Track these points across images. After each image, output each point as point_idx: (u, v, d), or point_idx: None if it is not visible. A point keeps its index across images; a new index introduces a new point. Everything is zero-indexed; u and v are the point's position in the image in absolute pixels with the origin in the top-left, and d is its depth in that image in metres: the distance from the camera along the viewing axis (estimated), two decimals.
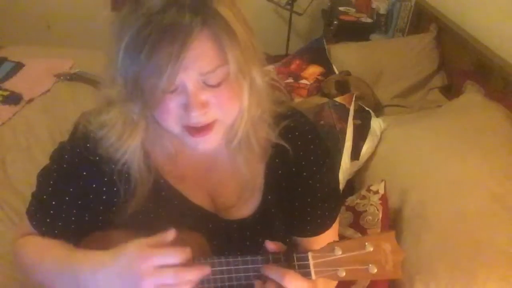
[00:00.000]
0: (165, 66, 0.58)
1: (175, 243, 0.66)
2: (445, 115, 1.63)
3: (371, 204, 1.24)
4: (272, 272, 0.65)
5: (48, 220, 0.80)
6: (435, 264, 1.10)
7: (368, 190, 1.30)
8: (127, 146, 0.71)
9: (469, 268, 1.06)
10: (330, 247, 0.65)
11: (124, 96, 0.64)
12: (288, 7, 3.18)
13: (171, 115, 0.64)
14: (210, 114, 0.65)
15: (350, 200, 1.33)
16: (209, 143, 0.69)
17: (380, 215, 1.21)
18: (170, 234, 0.66)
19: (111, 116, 0.71)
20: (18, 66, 2.20)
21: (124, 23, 0.60)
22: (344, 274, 0.64)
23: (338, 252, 0.65)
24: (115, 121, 0.71)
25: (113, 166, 0.74)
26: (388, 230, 0.78)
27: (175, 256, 0.63)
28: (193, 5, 0.58)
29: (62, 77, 2.17)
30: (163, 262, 0.63)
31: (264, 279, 0.66)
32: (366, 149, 1.56)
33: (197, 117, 0.64)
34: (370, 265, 0.64)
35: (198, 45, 0.59)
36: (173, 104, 0.63)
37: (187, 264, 0.64)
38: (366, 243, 0.65)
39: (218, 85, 0.63)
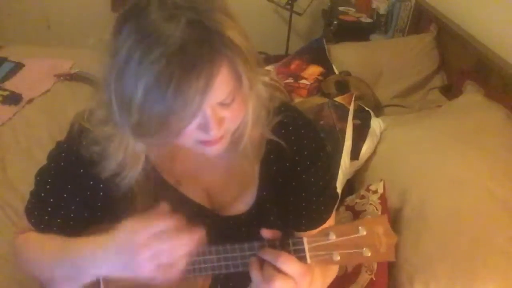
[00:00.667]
0: (191, 101, 0.58)
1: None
2: (445, 115, 1.63)
3: (370, 204, 1.24)
4: (268, 254, 0.66)
5: (46, 217, 0.81)
6: (435, 264, 1.10)
7: (367, 190, 1.30)
8: (130, 177, 0.72)
9: (469, 268, 1.06)
10: (324, 232, 0.67)
11: (135, 131, 0.63)
12: (288, 7, 3.18)
13: (187, 136, 0.65)
14: (224, 127, 0.66)
15: (350, 200, 1.33)
16: (220, 149, 0.70)
17: (379, 214, 1.21)
18: (162, 207, 0.67)
19: (110, 146, 0.70)
20: (18, 66, 2.20)
21: (133, 63, 0.58)
22: (338, 258, 0.66)
23: (332, 237, 0.66)
24: (115, 151, 0.70)
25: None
26: (380, 215, 0.79)
27: (166, 222, 0.64)
28: (209, 38, 0.58)
29: (62, 77, 2.17)
30: (155, 229, 0.64)
31: (260, 263, 0.67)
32: (365, 149, 1.56)
33: (215, 135, 0.65)
34: (364, 248, 0.65)
35: (219, 76, 0.59)
36: (191, 129, 0.64)
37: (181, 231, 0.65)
38: (360, 227, 0.66)
39: (231, 102, 0.64)
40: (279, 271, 0.64)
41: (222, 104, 0.64)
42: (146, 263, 0.64)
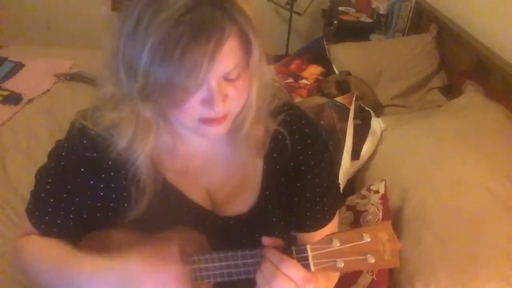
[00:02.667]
0: (199, 66, 0.57)
1: (175, 241, 0.66)
2: (445, 115, 1.63)
3: (372, 204, 1.24)
4: (272, 255, 0.65)
5: (46, 218, 0.80)
6: (435, 264, 1.10)
7: (369, 190, 1.30)
8: (141, 151, 0.71)
9: (469, 268, 1.06)
10: (328, 239, 0.66)
11: (142, 96, 0.62)
12: (288, 7, 3.18)
13: (191, 111, 0.64)
14: (228, 106, 0.65)
15: (351, 200, 1.33)
16: (222, 130, 0.69)
17: (381, 215, 1.21)
18: (174, 250, 0.67)
19: (121, 117, 0.70)
20: (18, 66, 2.21)
21: (142, 25, 0.58)
22: (342, 265, 0.65)
23: (336, 244, 0.65)
24: (126, 122, 0.69)
25: (123, 172, 0.74)
26: (384, 220, 0.79)
27: (176, 268, 0.64)
28: (220, 2, 0.58)
29: (62, 77, 2.17)
30: (163, 278, 0.64)
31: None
32: (366, 149, 1.56)
33: (219, 111, 0.64)
34: (368, 255, 0.65)
35: (228, 42, 0.59)
36: (194, 101, 0.63)
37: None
38: (364, 234, 0.65)
39: (236, 78, 0.64)
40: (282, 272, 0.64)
41: (227, 80, 0.63)
42: None
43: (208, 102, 0.63)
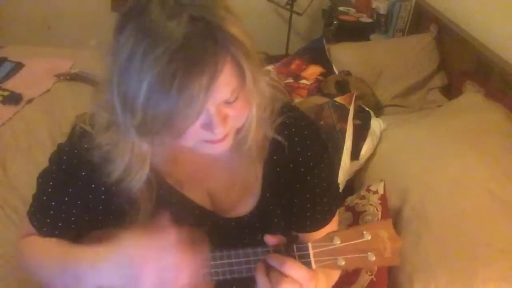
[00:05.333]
0: (196, 98, 0.57)
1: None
2: (445, 115, 1.63)
3: (371, 204, 1.24)
4: (274, 260, 0.66)
5: (48, 220, 0.80)
6: (435, 264, 1.10)
7: (368, 190, 1.30)
8: (136, 181, 0.71)
9: (469, 268, 1.06)
10: (329, 237, 0.67)
11: (139, 131, 0.62)
12: (288, 7, 3.18)
13: (192, 136, 0.64)
14: (228, 126, 0.66)
15: (350, 200, 1.33)
16: (224, 147, 0.69)
17: (380, 215, 1.21)
18: (165, 219, 0.66)
19: (115, 148, 0.69)
20: (18, 66, 2.20)
21: (135, 61, 0.57)
22: (343, 263, 0.66)
23: (337, 242, 0.66)
24: (121, 152, 0.69)
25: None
26: (385, 219, 0.79)
27: (170, 235, 0.64)
28: (211, 33, 0.58)
29: (62, 77, 2.17)
30: (159, 243, 0.64)
31: (266, 268, 0.67)
32: (366, 149, 1.56)
33: (220, 133, 0.64)
34: (368, 253, 0.65)
35: (223, 73, 0.59)
36: (195, 128, 0.63)
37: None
38: (364, 232, 0.66)
39: (235, 100, 0.64)
40: (286, 275, 0.64)
41: (226, 103, 0.63)
42: (148, 277, 0.63)
43: (208, 126, 0.63)
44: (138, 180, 0.71)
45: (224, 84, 0.60)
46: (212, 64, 0.57)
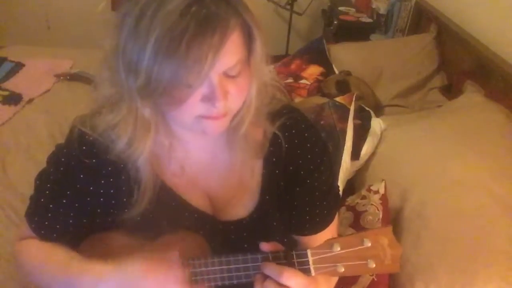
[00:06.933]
0: (204, 59, 0.56)
1: (176, 246, 0.66)
2: (445, 115, 1.63)
3: (372, 204, 1.24)
4: (270, 270, 0.65)
5: (46, 223, 0.80)
6: (435, 264, 1.10)
7: (369, 190, 1.30)
8: (140, 151, 0.70)
9: (469, 268, 1.06)
10: (328, 244, 0.66)
11: (142, 93, 0.61)
12: (288, 7, 3.18)
13: (190, 109, 0.63)
14: (228, 103, 0.65)
15: (351, 200, 1.33)
16: (220, 127, 0.68)
17: (381, 215, 1.21)
18: (174, 255, 0.67)
19: (119, 117, 0.69)
20: (18, 66, 2.21)
21: (145, 18, 0.57)
22: (343, 270, 0.65)
23: (337, 249, 0.65)
24: (125, 122, 0.68)
25: (121, 167, 0.74)
26: (385, 225, 0.79)
27: (175, 272, 0.64)
28: None
29: (62, 77, 2.17)
30: (163, 279, 0.64)
31: (264, 277, 0.66)
32: (366, 149, 1.56)
33: (220, 107, 0.63)
34: (368, 260, 0.65)
35: (232, 36, 0.58)
36: (194, 98, 0.62)
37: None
38: (364, 239, 0.65)
39: (237, 75, 0.63)
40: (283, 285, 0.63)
41: (228, 76, 0.63)
42: None
43: (209, 98, 0.62)
44: (142, 149, 0.70)
45: (232, 50, 0.60)
46: (223, 25, 0.57)
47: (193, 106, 0.63)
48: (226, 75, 0.63)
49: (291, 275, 0.63)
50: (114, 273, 0.67)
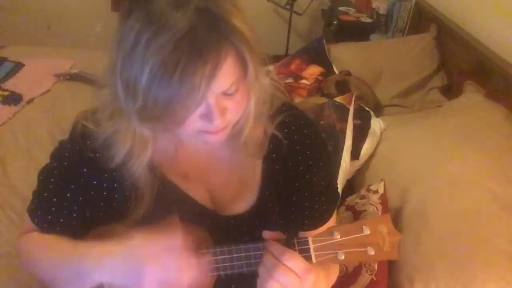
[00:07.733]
0: (197, 87, 0.58)
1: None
2: (445, 115, 1.63)
3: (371, 204, 1.24)
4: (273, 248, 0.66)
5: (49, 217, 0.81)
6: (435, 264, 1.10)
7: (368, 190, 1.30)
8: (137, 166, 0.72)
9: (469, 268, 1.06)
10: (329, 232, 0.68)
11: (140, 116, 0.63)
12: (288, 7, 3.18)
13: (191, 125, 0.65)
14: (226, 118, 0.67)
15: (350, 200, 1.33)
16: (221, 138, 0.70)
17: (380, 215, 1.21)
18: (174, 221, 0.67)
19: (117, 129, 0.70)
20: (18, 66, 2.21)
21: (140, 47, 0.58)
22: (343, 257, 0.66)
23: (337, 236, 0.67)
24: (123, 137, 0.70)
25: (125, 172, 0.75)
26: (384, 214, 0.81)
27: (177, 238, 0.65)
28: (216, 25, 0.59)
29: (62, 77, 2.17)
30: (167, 244, 0.65)
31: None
32: (366, 149, 1.57)
33: (218, 125, 0.65)
34: (368, 247, 0.67)
35: (225, 64, 0.60)
36: (193, 116, 0.64)
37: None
38: (364, 227, 0.67)
39: (234, 92, 0.65)
40: (283, 264, 0.64)
41: (226, 94, 0.64)
42: (151, 276, 0.64)
43: (207, 117, 0.64)
44: (139, 165, 0.72)
45: (226, 75, 0.61)
46: (216, 54, 0.58)
47: (193, 123, 0.65)
48: (224, 94, 0.64)
49: (292, 256, 0.65)
50: (117, 251, 0.67)
